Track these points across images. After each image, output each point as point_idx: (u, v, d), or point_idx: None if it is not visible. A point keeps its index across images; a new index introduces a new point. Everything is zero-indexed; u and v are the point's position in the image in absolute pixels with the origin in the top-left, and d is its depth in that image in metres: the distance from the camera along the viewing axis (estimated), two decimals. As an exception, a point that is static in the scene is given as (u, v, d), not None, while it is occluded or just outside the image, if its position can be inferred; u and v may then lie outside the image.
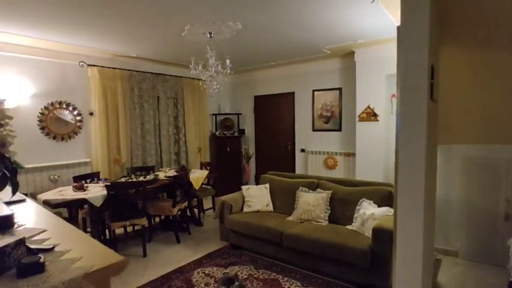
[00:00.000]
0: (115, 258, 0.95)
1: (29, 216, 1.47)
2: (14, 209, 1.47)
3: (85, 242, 1.11)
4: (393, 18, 3.24)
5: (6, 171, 0.98)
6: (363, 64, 4.71)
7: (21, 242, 0.94)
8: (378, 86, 4.59)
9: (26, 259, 0.89)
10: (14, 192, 1.00)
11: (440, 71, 2.55)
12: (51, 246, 1.05)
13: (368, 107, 4.68)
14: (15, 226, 1.27)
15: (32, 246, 1.03)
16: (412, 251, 1.97)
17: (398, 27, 1.91)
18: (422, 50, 1.83)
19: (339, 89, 5.36)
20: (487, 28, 2.52)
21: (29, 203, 1.75)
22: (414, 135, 1.94)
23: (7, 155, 1.01)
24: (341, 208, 3.43)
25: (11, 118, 1.02)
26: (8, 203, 1.64)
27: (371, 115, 4.67)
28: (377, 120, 4.61)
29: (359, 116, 4.77)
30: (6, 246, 0.89)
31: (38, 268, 0.87)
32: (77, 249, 1.03)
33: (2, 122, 0.98)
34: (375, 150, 4.60)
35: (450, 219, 3.44)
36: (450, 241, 3.45)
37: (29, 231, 1.22)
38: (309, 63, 5.57)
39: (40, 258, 0.90)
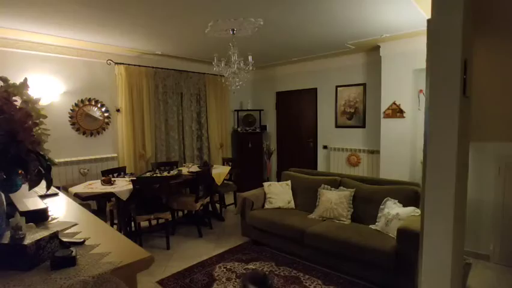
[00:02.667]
0: (142, 254, 0.98)
1: (61, 209, 1.54)
2: (47, 203, 1.55)
3: (113, 237, 1.16)
4: (423, 10, 3.10)
5: (41, 168, 1.04)
6: (389, 59, 4.56)
7: (55, 235, 1.00)
8: (404, 81, 4.43)
9: (59, 252, 0.94)
10: (48, 188, 1.05)
11: (474, 65, 2.42)
12: (82, 240, 1.10)
13: (394, 103, 4.53)
14: (49, 219, 1.34)
15: (65, 240, 1.08)
16: (440, 255, 1.88)
17: (429, 20, 1.82)
18: (454, 44, 1.74)
19: (364, 84, 5.22)
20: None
21: (62, 196, 1.84)
22: (445, 134, 1.85)
23: (42, 153, 1.06)
24: (364, 207, 3.36)
25: (45, 117, 1.07)
26: (42, 197, 1.73)
27: (396, 111, 4.52)
28: (403, 117, 4.46)
29: (384, 112, 4.63)
30: (41, 239, 0.94)
31: (70, 262, 0.91)
32: (106, 244, 1.08)
33: (37, 121, 1.04)
34: (400, 148, 4.46)
35: (482, 222, 3.28)
36: (481, 244, 3.29)
37: (62, 225, 1.28)
38: (332, 59, 5.47)
39: (72, 252, 0.94)
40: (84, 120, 4.50)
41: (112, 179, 3.76)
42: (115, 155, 4.78)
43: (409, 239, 2.54)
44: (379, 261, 2.68)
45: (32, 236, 0.95)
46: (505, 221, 3.15)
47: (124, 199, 3.44)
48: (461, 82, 1.90)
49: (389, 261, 2.63)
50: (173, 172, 4.20)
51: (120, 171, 4.27)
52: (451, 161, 1.85)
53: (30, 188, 1.03)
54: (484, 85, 3.01)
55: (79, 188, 3.50)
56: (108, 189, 3.46)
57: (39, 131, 1.04)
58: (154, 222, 4.35)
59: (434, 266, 1.92)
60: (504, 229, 3.15)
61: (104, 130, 4.72)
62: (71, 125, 4.39)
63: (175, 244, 3.83)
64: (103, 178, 3.71)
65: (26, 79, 1.08)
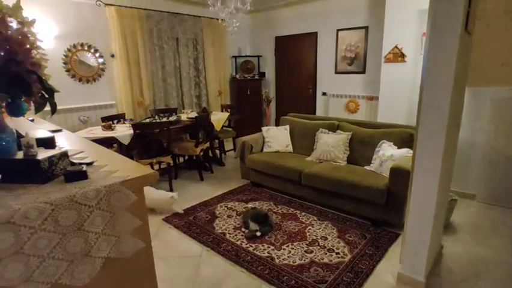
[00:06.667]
0: (147, 171, 1.05)
1: (67, 141, 1.60)
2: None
3: (119, 160, 1.22)
4: None
5: (44, 92, 1.06)
6: (393, -2, 4.33)
7: (65, 154, 1.05)
8: (408, 24, 4.26)
9: (71, 168, 1.01)
10: (53, 112, 1.08)
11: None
12: (91, 161, 1.16)
13: (396, 47, 4.41)
14: (57, 148, 1.40)
15: (75, 161, 1.15)
16: (427, 191, 1.99)
17: None
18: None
19: (366, 27, 5.03)
20: None
21: (66, 132, 1.89)
22: (442, 71, 1.85)
23: (43, 78, 1.07)
24: (361, 149, 3.46)
25: (41, 41, 1.06)
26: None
27: (398, 56, 4.42)
28: (404, 61, 4.37)
29: (385, 56, 4.52)
30: (53, 156, 1.00)
31: (82, 175, 0.98)
32: (113, 164, 1.14)
33: (35, 45, 1.03)
34: (399, 93, 4.44)
35: (471, 163, 3.39)
36: (468, 185, 3.44)
37: (69, 152, 1.34)
38: None
39: (83, 167, 1.01)
40: (78, 66, 4.40)
41: (112, 125, 3.81)
42: (113, 102, 4.77)
43: (400, 177, 2.67)
44: (371, 198, 2.84)
45: (44, 154, 1.01)
46: (493, 163, 3.26)
47: (126, 143, 3.52)
48: (465, 15, 1.85)
49: (380, 198, 2.78)
50: (172, 118, 4.24)
51: (120, 118, 4.30)
52: (445, 101, 1.86)
53: (37, 111, 1.06)
54: (486, 22, 2.91)
55: (81, 134, 3.55)
56: (109, 134, 3.52)
57: (37, 55, 1.05)
58: (156, 167, 4.50)
59: (421, 200, 2.04)
60: (492, 170, 3.28)
61: (100, 77, 4.64)
62: (66, 71, 4.31)
63: (178, 187, 4.00)
64: (103, 124, 3.74)
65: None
